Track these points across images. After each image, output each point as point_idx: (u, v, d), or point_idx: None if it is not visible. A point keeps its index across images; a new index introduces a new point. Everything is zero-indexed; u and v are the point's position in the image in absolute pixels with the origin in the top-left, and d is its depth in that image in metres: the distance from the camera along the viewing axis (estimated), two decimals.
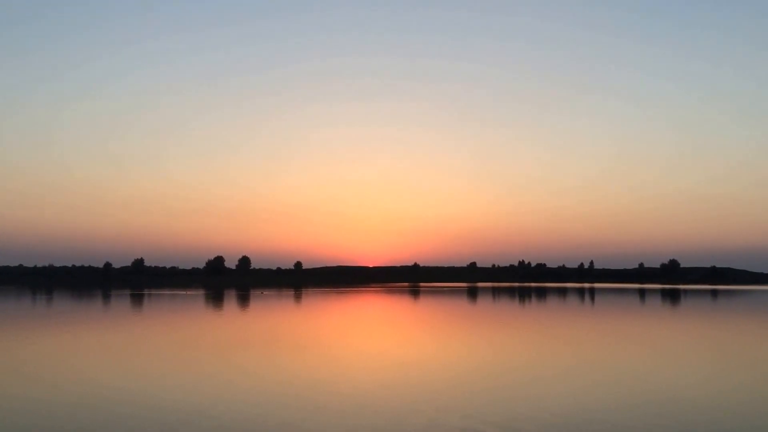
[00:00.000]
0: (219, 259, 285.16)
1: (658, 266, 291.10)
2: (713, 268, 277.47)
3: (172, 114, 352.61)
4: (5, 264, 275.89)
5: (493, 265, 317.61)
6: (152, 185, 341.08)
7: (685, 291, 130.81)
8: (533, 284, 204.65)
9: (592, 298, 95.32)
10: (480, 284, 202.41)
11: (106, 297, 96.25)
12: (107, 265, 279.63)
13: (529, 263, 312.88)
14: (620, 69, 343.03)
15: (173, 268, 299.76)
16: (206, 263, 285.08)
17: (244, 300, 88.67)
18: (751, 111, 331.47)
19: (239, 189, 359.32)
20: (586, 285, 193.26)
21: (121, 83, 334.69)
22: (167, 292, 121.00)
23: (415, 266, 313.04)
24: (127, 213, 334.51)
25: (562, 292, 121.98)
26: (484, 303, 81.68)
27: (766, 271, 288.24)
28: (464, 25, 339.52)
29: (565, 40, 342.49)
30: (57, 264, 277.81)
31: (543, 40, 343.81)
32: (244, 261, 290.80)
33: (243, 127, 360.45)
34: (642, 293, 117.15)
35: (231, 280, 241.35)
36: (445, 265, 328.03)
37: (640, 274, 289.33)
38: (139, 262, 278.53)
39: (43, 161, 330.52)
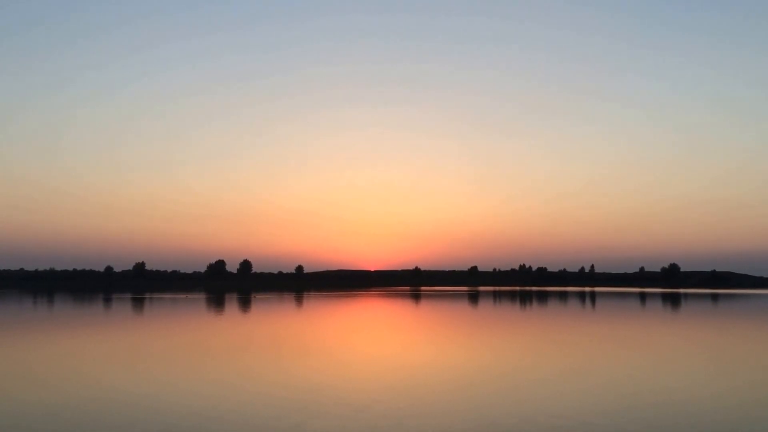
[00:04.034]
0: (220, 263, 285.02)
1: (659, 270, 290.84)
2: (714, 272, 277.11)
3: (178, 120, 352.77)
4: (6, 267, 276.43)
5: (495, 269, 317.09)
6: (157, 190, 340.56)
7: (686, 295, 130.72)
8: (534, 288, 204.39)
9: (593, 302, 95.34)
10: (481, 288, 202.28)
11: (108, 301, 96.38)
12: (108, 268, 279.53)
13: (530, 267, 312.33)
14: (621, 74, 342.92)
15: (174, 272, 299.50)
16: (207, 267, 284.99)
17: (244, 304, 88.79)
18: (752, 114, 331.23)
19: (242, 193, 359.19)
20: (587, 289, 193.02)
21: (128, 89, 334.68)
22: (168, 295, 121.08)
23: (417, 270, 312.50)
24: (128, 217, 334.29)
25: (563, 296, 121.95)
26: (486, 307, 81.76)
27: (767, 275, 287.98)
28: (466, 32, 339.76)
29: (567, 46, 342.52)
30: (58, 268, 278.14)
31: (544, 46, 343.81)
32: (246, 265, 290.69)
33: (247, 132, 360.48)
34: (643, 297, 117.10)
35: (232, 284, 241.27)
36: (447, 269, 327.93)
37: (641, 277, 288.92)
38: (140, 266, 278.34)
39: (49, 166, 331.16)
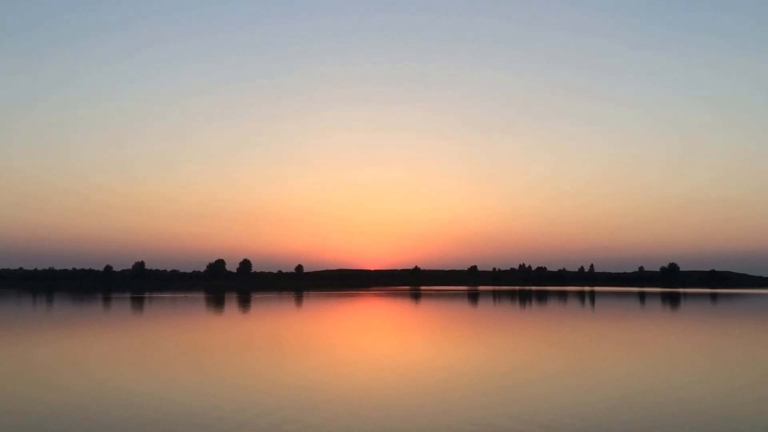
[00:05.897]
0: (220, 263, 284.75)
1: (658, 270, 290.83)
2: (713, 272, 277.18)
3: (178, 119, 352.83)
4: (5, 267, 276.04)
5: (494, 269, 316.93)
6: (157, 189, 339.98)
7: (685, 294, 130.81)
8: (534, 287, 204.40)
9: (593, 302, 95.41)
10: (481, 287, 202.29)
11: (107, 300, 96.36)
12: (108, 268, 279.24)
13: (529, 267, 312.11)
14: (620, 74, 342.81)
15: (174, 271, 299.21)
16: (207, 266, 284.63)
17: (243, 303, 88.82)
18: (751, 115, 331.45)
19: (242, 193, 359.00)
20: (587, 288, 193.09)
21: (128, 89, 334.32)
22: (168, 295, 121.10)
23: (416, 269, 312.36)
24: (128, 216, 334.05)
25: (563, 296, 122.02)
26: (485, 306, 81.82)
27: (765, 275, 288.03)
28: (466, 32, 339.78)
29: (567, 46, 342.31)
30: (57, 267, 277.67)
31: (544, 46, 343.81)
32: (245, 264, 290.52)
33: (248, 132, 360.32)
34: (642, 296, 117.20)
35: (232, 283, 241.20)
36: (446, 269, 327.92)
37: (640, 277, 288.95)
38: (140, 266, 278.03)
39: (50, 165, 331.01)
